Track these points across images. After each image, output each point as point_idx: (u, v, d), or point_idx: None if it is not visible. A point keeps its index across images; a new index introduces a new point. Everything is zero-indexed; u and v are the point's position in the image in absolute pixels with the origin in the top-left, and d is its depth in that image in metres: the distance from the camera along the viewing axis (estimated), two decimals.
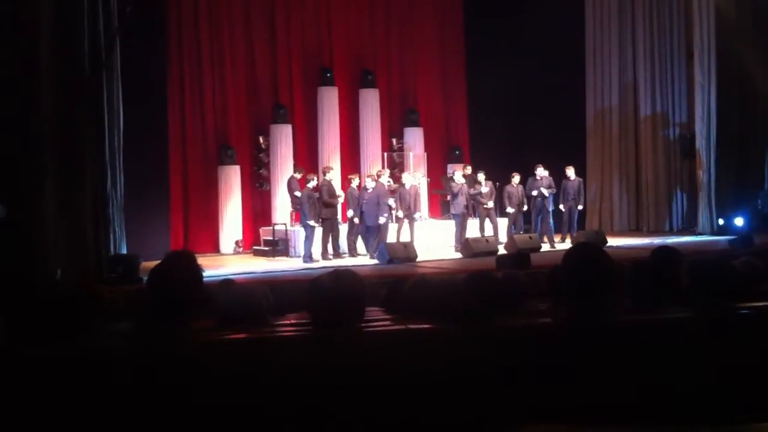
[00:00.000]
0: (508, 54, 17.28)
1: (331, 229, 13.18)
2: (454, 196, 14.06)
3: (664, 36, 16.77)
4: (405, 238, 13.40)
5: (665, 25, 16.75)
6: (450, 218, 15.19)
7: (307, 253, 12.78)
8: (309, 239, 12.89)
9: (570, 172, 14.80)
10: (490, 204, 14.26)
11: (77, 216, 10.39)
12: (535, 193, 14.39)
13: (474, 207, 14.60)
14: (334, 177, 14.12)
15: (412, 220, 13.71)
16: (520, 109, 17.93)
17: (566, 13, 17.09)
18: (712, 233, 14.93)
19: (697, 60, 15.36)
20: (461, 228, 14.01)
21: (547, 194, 14.41)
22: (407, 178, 13.92)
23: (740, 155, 15.43)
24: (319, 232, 13.14)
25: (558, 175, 14.90)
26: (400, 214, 13.43)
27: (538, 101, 17.72)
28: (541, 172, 14.57)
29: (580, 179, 15.03)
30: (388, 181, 13.84)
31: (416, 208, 14.00)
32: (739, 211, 14.82)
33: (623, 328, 2.96)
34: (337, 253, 13.20)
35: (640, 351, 2.85)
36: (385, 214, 13.22)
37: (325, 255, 12.99)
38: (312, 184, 13.28)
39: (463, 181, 14.23)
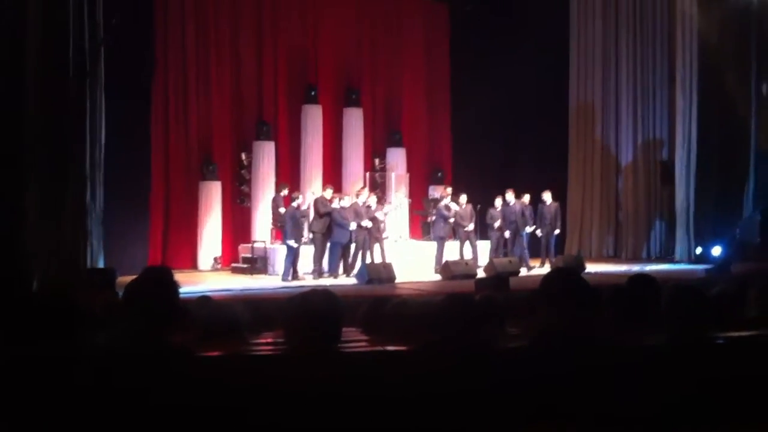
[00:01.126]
0: (493, 78, 17.39)
1: (323, 244, 13.13)
2: (445, 219, 14.07)
3: (647, 61, 16.92)
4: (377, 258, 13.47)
5: (648, 51, 16.90)
6: (430, 240, 15.21)
7: (286, 272, 12.73)
8: (289, 258, 12.83)
9: (546, 196, 14.80)
10: (471, 226, 14.28)
11: (56, 227, 10.30)
12: (513, 218, 14.44)
13: (454, 229, 14.61)
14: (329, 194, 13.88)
15: (382, 241, 13.70)
16: (503, 133, 18.04)
17: (551, 38, 17.27)
18: (690, 261, 14.99)
19: (679, 86, 15.51)
20: (442, 250, 14.03)
21: (524, 222, 14.46)
22: (372, 200, 13.90)
23: (720, 183, 15.53)
24: (302, 250, 13.09)
25: (537, 199, 14.95)
26: (353, 226, 13.15)
27: (522, 125, 17.85)
28: (511, 197, 14.62)
29: (557, 204, 15.01)
30: (365, 203, 13.76)
31: (385, 229, 14.01)
32: (718, 239, 14.90)
33: (601, 351, 2.96)
34: (320, 273, 13.10)
35: (617, 374, 2.85)
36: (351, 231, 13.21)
37: (315, 272, 12.97)
38: (296, 203, 13.23)
39: (457, 207, 14.24)
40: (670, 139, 16.43)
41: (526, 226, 14.50)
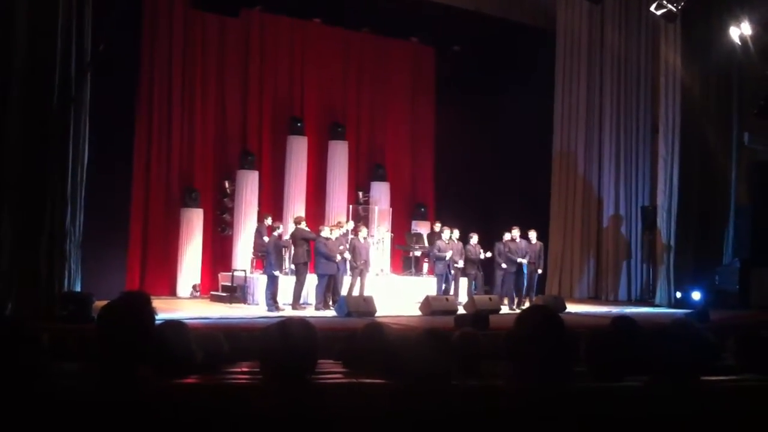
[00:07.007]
0: (477, 118, 17.57)
1: (304, 276, 13.05)
2: (443, 253, 14.07)
3: (631, 110, 17.16)
4: (355, 291, 13.44)
5: (632, 100, 17.15)
6: (410, 275, 15.16)
7: (269, 301, 12.64)
8: (270, 288, 12.75)
9: (532, 235, 14.81)
10: (461, 263, 14.27)
11: (33, 250, 10.20)
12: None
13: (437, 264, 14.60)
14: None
15: (364, 274, 13.67)
16: (486, 172, 18.15)
17: (536, 82, 17.42)
18: (670, 306, 15.07)
19: (661, 135, 15.70)
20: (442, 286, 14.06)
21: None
22: (362, 232, 13.91)
23: (700, 230, 15.69)
24: (282, 281, 13.02)
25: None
26: (339, 258, 13.18)
27: (505, 166, 17.96)
28: (516, 234, 14.58)
29: (541, 243, 15.01)
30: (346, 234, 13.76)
31: (368, 262, 13.94)
32: (697, 285, 14.99)
33: (576, 394, 2.94)
34: (298, 304, 12.99)
35: (593, 419, 2.83)
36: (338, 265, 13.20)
37: (296, 304, 12.86)
38: (278, 232, 13.17)
39: (453, 239, 14.22)
40: (651, 186, 16.60)
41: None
